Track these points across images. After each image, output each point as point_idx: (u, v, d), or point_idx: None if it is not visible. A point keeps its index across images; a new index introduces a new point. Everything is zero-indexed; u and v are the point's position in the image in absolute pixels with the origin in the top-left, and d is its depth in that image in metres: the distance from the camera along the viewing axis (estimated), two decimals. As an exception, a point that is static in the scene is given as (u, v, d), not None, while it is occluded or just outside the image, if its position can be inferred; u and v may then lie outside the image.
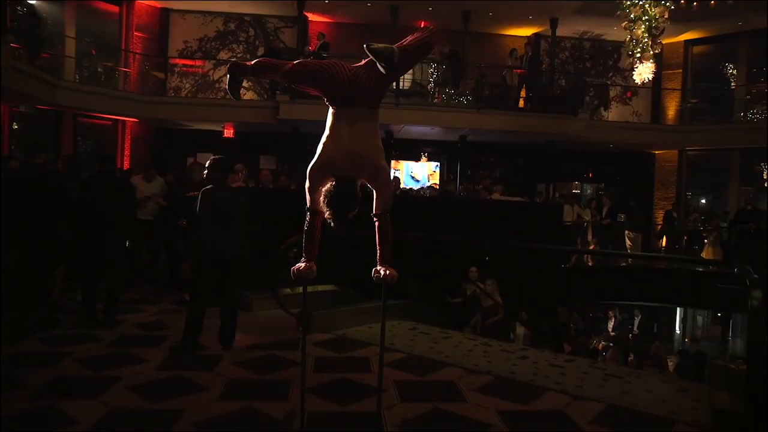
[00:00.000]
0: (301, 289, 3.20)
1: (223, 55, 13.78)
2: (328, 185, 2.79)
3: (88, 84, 12.26)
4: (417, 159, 14.90)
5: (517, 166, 15.19)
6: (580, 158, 15.24)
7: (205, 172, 4.76)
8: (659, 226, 13.98)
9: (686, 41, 14.94)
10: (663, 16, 7.55)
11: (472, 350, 4.98)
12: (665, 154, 15.37)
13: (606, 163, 15.35)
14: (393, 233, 2.99)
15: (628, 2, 7.41)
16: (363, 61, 2.87)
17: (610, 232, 11.96)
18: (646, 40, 8.12)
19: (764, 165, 14.38)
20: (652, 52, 8.58)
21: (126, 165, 12.43)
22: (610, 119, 14.92)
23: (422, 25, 14.26)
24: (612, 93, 15.08)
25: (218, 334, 4.76)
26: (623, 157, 15.18)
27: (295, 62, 2.97)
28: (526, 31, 14.61)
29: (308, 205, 3.00)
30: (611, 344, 11.80)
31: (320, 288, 6.35)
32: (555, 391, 3.91)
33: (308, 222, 3.00)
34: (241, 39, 14.06)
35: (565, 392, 3.89)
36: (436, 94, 13.20)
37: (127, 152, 13.24)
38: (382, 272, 2.90)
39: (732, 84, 14.83)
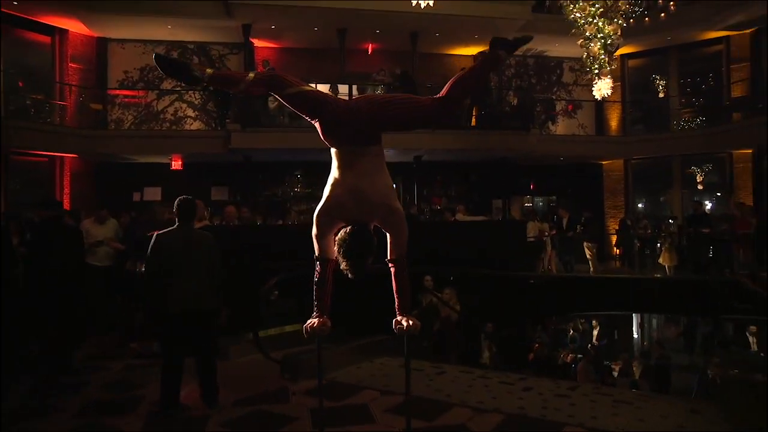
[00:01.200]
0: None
1: (167, 85, 13.21)
2: (342, 233, 2.54)
3: (14, 119, 11.31)
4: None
5: (471, 183, 15.27)
6: (532, 172, 15.50)
7: (169, 214, 4.38)
8: (613, 235, 14.36)
9: (622, 55, 15.53)
10: (616, 33, 7.77)
11: (471, 385, 4.77)
12: (612, 164, 15.86)
13: (557, 176, 15.66)
14: (410, 279, 2.77)
15: (582, 21, 7.57)
16: (362, 97, 2.67)
17: (570, 244, 12.14)
18: (603, 56, 8.31)
19: (696, 169, 15.10)
20: (609, 68, 8.80)
21: (67, 204, 11.60)
22: (558, 133, 15.29)
23: (370, 48, 14.40)
24: (558, 107, 15.46)
25: (200, 391, 4.35)
26: (572, 169, 15.54)
27: (300, 88, 2.66)
28: (472, 50, 14.79)
29: (316, 253, 2.74)
30: (579, 356, 11.89)
31: (288, 328, 6.02)
32: (571, 426, 3.75)
33: (318, 272, 2.74)
34: (186, 67, 13.51)
35: (582, 425, 3.75)
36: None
37: (66, 190, 12.40)
38: (404, 324, 2.67)
39: (660, 94, 15.51)
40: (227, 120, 12.00)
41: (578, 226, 11.91)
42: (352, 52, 13.56)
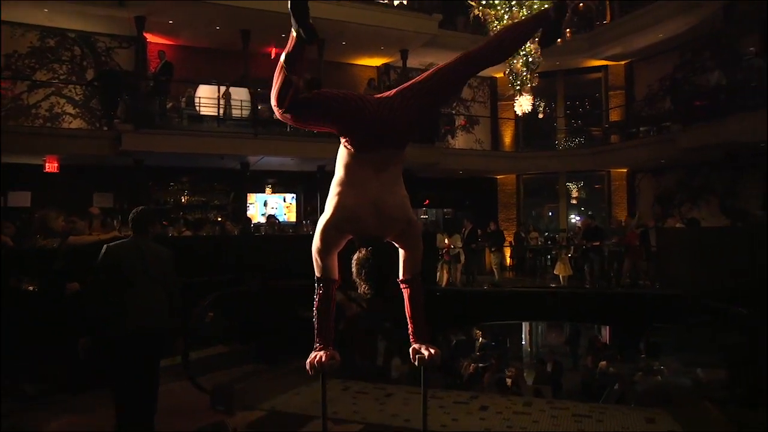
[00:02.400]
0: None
1: (41, 76, 11.69)
2: (362, 252, 2.19)
3: None
4: (262, 191, 14.09)
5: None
6: (430, 185, 15.75)
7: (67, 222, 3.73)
8: (509, 246, 14.97)
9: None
10: (537, 52, 8.08)
11: (430, 407, 4.53)
12: (505, 179, 16.59)
13: (453, 189, 16.06)
14: (425, 301, 2.49)
15: (505, 38, 7.77)
16: (392, 91, 2.34)
17: (475, 255, 12.45)
18: (525, 73, 8.59)
19: (571, 184, 16.34)
20: (530, 85, 9.11)
21: None
22: (456, 147, 15.71)
23: (273, 52, 13.83)
24: (457, 122, 15.91)
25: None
26: (468, 182, 16.03)
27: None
28: (377, 61, 14.79)
29: (319, 274, 2.36)
30: (480, 365, 12.19)
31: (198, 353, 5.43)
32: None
33: (321, 295, 2.36)
34: (64, 58, 12.04)
35: (556, 444, 3.66)
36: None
37: None
38: (425, 353, 2.37)
39: (540, 115, 16.57)
40: (116, 120, 10.84)
41: (479, 238, 12.25)
42: (256, 56, 12.93)
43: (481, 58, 2.33)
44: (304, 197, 14.39)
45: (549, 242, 15.13)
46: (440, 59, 11.86)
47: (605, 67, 15.44)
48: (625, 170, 15.14)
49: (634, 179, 15.15)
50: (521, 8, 7.43)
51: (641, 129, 13.89)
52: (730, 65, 11.49)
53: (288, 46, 2.26)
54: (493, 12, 7.69)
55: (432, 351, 2.38)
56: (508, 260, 14.95)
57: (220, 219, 12.19)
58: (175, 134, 11.06)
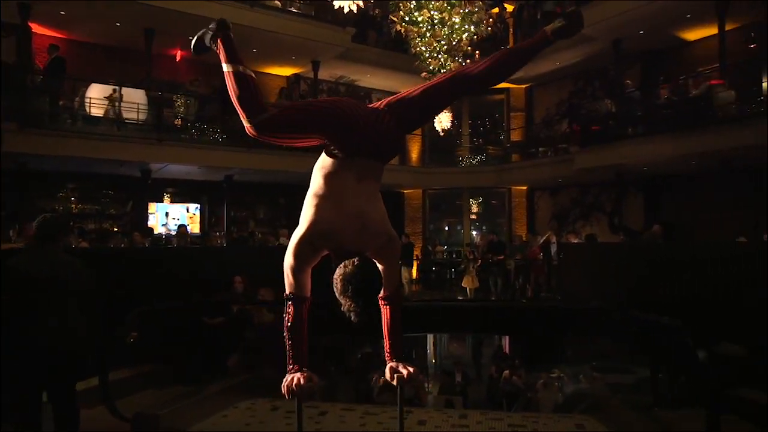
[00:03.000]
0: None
1: None
2: (347, 267, 2.04)
3: None
4: (159, 200, 13.26)
5: (281, 206, 14.83)
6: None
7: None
8: (416, 260, 15.21)
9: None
10: (457, 71, 8.26)
11: (365, 424, 4.41)
12: (412, 193, 16.89)
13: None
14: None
15: (428, 55, 7.92)
16: (380, 103, 2.25)
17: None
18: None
19: (471, 200, 17.07)
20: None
21: None
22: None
23: (178, 55, 13.13)
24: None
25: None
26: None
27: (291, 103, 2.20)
28: (288, 71, 14.53)
29: (290, 291, 2.19)
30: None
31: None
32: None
33: (292, 314, 2.19)
34: None
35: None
36: (204, 130, 12.03)
37: None
38: (404, 372, 2.27)
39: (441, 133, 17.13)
40: (-3, 117, 9.70)
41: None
42: (161, 57, 12.23)
43: (476, 81, 2.26)
44: (209, 208, 13.73)
45: (454, 256, 15.58)
46: (351, 72, 12.13)
47: (507, 89, 16.26)
48: (525, 188, 15.98)
49: (533, 196, 16.04)
50: (443, 27, 7.63)
51: (540, 149, 14.75)
52: (616, 95, 12.54)
53: (219, 51, 2.23)
54: (416, 29, 7.82)
55: (411, 370, 2.29)
56: (416, 273, 15.20)
57: (116, 229, 11.29)
58: (67, 136, 10.09)
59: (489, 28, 8.53)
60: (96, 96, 11.07)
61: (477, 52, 11.39)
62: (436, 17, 7.57)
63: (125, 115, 11.09)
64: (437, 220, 17.70)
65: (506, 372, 10.73)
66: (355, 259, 2.04)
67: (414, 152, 16.90)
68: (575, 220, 14.48)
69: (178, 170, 12.09)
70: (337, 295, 2.05)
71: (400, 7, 7.64)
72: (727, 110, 10.17)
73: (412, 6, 7.31)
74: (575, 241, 11.29)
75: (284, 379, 2.15)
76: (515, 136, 16.22)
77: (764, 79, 10.49)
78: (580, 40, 12.80)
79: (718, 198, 10.81)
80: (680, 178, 12.06)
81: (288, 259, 2.17)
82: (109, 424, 3.93)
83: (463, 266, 13.25)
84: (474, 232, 16.80)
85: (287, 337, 2.19)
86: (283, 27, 12.22)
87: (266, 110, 2.11)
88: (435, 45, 7.72)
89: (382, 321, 2.41)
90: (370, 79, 15.21)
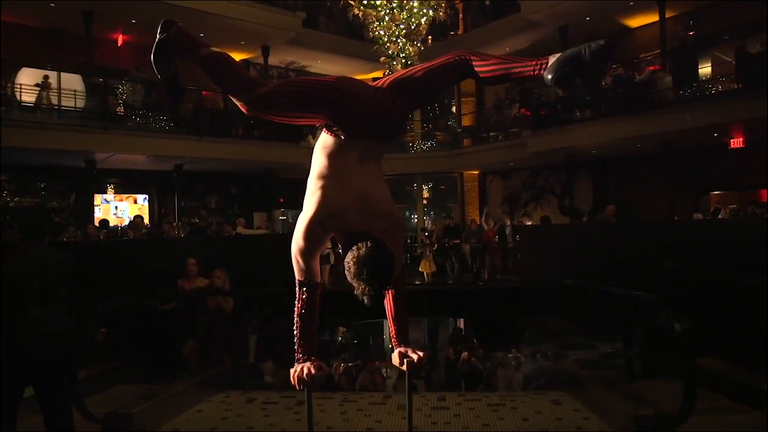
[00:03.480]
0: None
1: None
2: (361, 250, 1.99)
3: None
4: (105, 192, 12.70)
5: (232, 195, 14.49)
6: (290, 185, 15.43)
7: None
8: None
9: (373, 78, 16.73)
10: (416, 55, 8.25)
11: (345, 412, 4.39)
12: (365, 180, 16.82)
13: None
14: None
15: (386, 39, 7.86)
16: (383, 81, 2.19)
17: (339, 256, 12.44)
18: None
19: (416, 186, 17.22)
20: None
21: None
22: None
23: (120, 39, 12.53)
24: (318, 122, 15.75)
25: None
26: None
27: (285, 81, 2.13)
28: (237, 56, 14.11)
29: (301, 277, 2.14)
30: (349, 365, 12.21)
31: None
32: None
33: (304, 301, 2.14)
34: None
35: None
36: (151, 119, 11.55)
37: None
38: (414, 356, 2.25)
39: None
40: None
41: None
42: (101, 41, 11.64)
43: (471, 70, 2.21)
44: (158, 198, 13.26)
45: (408, 241, 15.68)
46: (302, 58, 11.95)
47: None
48: (477, 172, 16.22)
49: (485, 180, 16.31)
50: (402, 11, 7.59)
51: (491, 134, 14.99)
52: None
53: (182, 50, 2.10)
54: (374, 12, 7.74)
55: (420, 354, 2.28)
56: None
57: (58, 221, 10.72)
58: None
59: (443, 14, 8.57)
60: (27, 82, 10.43)
61: (430, 37, 11.45)
62: (395, 1, 7.53)
63: (63, 102, 10.50)
64: (401, 205, 17.77)
65: (464, 354, 10.94)
66: (368, 242, 2.00)
67: (366, 138, 16.83)
68: (527, 202, 14.85)
69: (124, 160, 11.59)
70: (349, 278, 2.01)
71: (358, -10, 7.57)
72: (666, 95, 10.65)
73: (369, -10, 7.28)
74: (529, 223, 11.57)
75: (293, 369, 2.10)
76: (466, 121, 16.41)
77: (700, 65, 11.08)
78: (529, 26, 13.07)
79: (661, 179, 11.31)
80: (626, 160, 12.55)
81: (298, 244, 2.11)
82: (79, 425, 3.76)
83: (419, 251, 13.35)
84: (425, 218, 16.96)
85: (298, 325, 2.14)
86: (231, 11, 11.86)
87: (258, 86, 2.03)
88: (394, 29, 7.69)
89: (385, 306, 2.39)
90: (321, 65, 15.02)
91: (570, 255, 8.17)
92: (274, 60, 14.11)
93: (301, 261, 2.11)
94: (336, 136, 2.09)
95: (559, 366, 5.55)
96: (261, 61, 13.94)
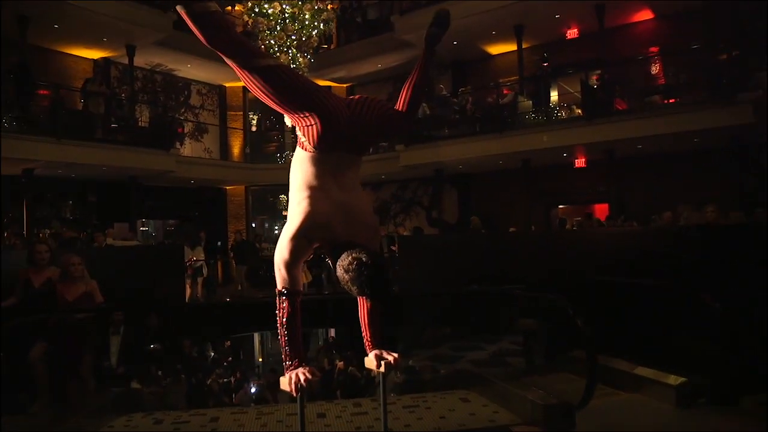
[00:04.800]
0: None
1: None
2: (356, 258, 2.06)
3: None
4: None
5: (90, 204, 13.26)
6: (157, 194, 14.56)
7: None
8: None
9: (244, 87, 16.35)
10: (306, 66, 8.25)
11: (266, 424, 4.29)
12: (234, 190, 16.37)
13: (181, 199, 15.15)
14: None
15: (278, 49, 7.79)
16: (355, 97, 2.29)
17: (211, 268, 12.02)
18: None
19: (284, 196, 17.22)
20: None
21: None
22: (185, 155, 14.87)
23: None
24: (186, 129, 15.05)
25: None
26: (196, 192, 15.32)
27: (276, 62, 2.15)
28: (96, 54, 13.01)
29: (284, 286, 2.17)
30: (226, 380, 11.75)
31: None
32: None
33: (286, 310, 2.17)
34: None
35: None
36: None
37: None
38: (390, 358, 2.37)
39: (253, 128, 16.99)
40: None
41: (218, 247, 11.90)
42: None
43: (410, 101, 2.44)
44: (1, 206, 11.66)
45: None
46: (170, 61, 11.58)
47: (329, 88, 16.64)
48: (348, 184, 16.54)
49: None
50: (294, 22, 7.60)
51: (364, 147, 15.39)
52: (431, 100, 13.66)
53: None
54: (265, 21, 7.67)
55: (395, 355, 2.40)
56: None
57: None
58: None
59: (333, 27, 8.74)
60: None
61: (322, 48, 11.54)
62: (288, 11, 7.53)
63: None
64: (262, 215, 17.43)
65: (340, 363, 11.11)
66: (360, 250, 2.09)
67: (236, 147, 16.40)
68: (396, 214, 15.46)
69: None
70: (344, 283, 2.08)
71: (249, -1, 7.43)
72: (524, 118, 11.88)
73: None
74: (405, 234, 12.10)
75: (285, 377, 2.12)
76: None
77: (551, 92, 12.52)
78: (400, 46, 13.74)
79: (518, 193, 12.51)
80: (489, 175, 13.67)
81: (282, 255, 2.14)
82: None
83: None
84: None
85: (283, 333, 2.16)
86: (94, 4, 10.90)
87: (264, 56, 2.11)
88: (285, 39, 7.68)
89: (359, 312, 2.48)
90: (190, 69, 14.37)
91: (447, 263, 8.74)
92: (139, 61, 13.22)
93: (284, 270, 2.15)
94: (310, 150, 2.16)
95: (454, 367, 5.94)
96: (123, 60, 12.98)
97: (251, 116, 16.88)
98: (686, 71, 11.27)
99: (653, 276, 5.23)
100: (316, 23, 7.88)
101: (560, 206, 13.81)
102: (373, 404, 4.84)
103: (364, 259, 2.05)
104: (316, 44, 8.39)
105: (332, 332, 14.73)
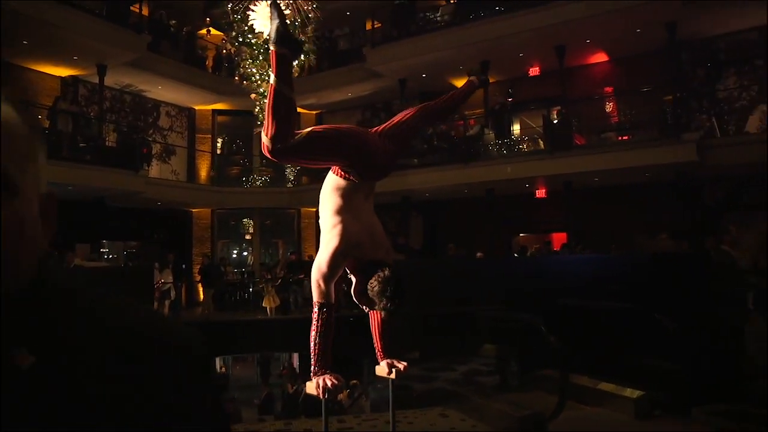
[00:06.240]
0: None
1: None
2: (387, 272, 2.35)
3: None
4: None
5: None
6: (121, 215, 14.37)
7: None
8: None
9: (213, 110, 16.50)
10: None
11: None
12: (200, 212, 16.32)
13: (143, 220, 14.98)
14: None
15: (258, 77, 8.02)
16: (377, 129, 2.61)
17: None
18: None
19: (246, 221, 17.28)
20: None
21: None
22: (152, 176, 14.79)
23: None
24: (154, 150, 15.00)
25: None
26: (161, 214, 15.21)
27: (314, 129, 2.42)
28: (65, 72, 12.94)
29: (322, 300, 2.43)
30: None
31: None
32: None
33: (324, 320, 2.43)
34: None
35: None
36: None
37: None
38: (400, 366, 2.65)
39: (219, 151, 17.04)
40: None
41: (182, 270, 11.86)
42: None
43: (437, 114, 2.85)
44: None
45: (245, 276, 15.55)
46: (140, 82, 11.67)
47: (299, 114, 16.92)
48: (315, 209, 16.71)
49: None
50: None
51: (331, 173, 15.67)
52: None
53: (273, 65, 2.34)
54: (248, 50, 7.91)
55: (405, 364, 2.67)
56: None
57: None
58: None
59: (314, 58, 9.10)
60: None
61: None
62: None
63: None
64: (224, 239, 17.36)
65: (304, 386, 11.18)
66: (388, 268, 2.38)
67: (203, 170, 16.40)
68: (362, 239, 15.70)
69: None
70: (371, 295, 2.35)
71: (234, 27, 7.67)
72: (489, 149, 12.47)
73: (246, 28, 7.45)
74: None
75: (313, 381, 2.36)
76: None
77: (514, 125, 13.18)
78: (371, 76, 14.21)
79: (482, 221, 13.01)
80: (454, 203, 14.15)
81: (321, 270, 2.40)
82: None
83: (261, 286, 13.35)
84: (244, 253, 17.11)
85: (318, 342, 2.40)
86: (67, 22, 10.93)
87: (292, 137, 2.31)
88: (267, 68, 7.91)
89: (371, 324, 2.75)
90: (160, 91, 14.43)
91: (415, 287, 9.06)
92: (108, 81, 13.20)
93: (323, 285, 2.41)
94: (348, 179, 2.46)
95: (430, 387, 6.17)
96: (93, 79, 12.95)
97: (219, 139, 17.00)
98: (637, 111, 12.14)
99: (612, 299, 5.68)
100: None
101: (521, 234, 14.39)
102: (357, 420, 5.06)
103: (389, 275, 2.34)
104: (297, 74, 8.67)
105: (295, 357, 14.74)
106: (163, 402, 0.59)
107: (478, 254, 11.44)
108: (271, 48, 2.27)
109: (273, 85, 2.25)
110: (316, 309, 2.44)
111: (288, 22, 8.00)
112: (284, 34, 2.26)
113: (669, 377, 4.89)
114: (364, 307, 2.67)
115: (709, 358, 4.80)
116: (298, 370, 13.19)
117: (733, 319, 5.34)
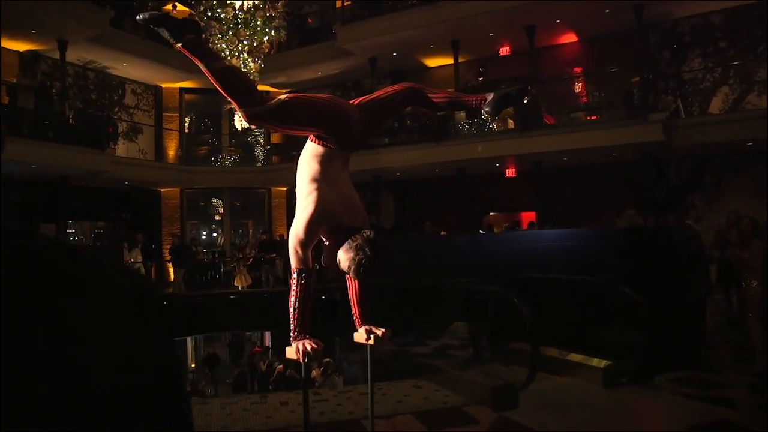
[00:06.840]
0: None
1: None
2: (362, 240, 2.36)
3: None
4: None
5: (13, 204, 12.62)
6: (87, 194, 14.04)
7: None
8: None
9: (181, 88, 16.14)
10: (257, 71, 8.35)
11: (232, 413, 4.47)
12: (169, 192, 16.04)
13: (109, 200, 14.68)
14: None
15: (229, 54, 7.85)
16: (355, 102, 2.61)
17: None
18: (247, 91, 8.67)
19: (216, 201, 17.12)
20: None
21: None
22: (119, 155, 14.45)
23: None
24: (120, 129, 14.62)
25: None
26: (127, 193, 14.89)
27: (289, 95, 2.41)
28: (23, 46, 12.45)
29: (300, 265, 2.44)
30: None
31: None
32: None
33: (302, 286, 2.43)
34: None
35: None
36: None
37: None
38: (379, 332, 2.68)
39: (186, 129, 16.78)
40: None
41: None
42: None
43: (428, 104, 2.80)
44: None
45: (215, 256, 15.41)
46: (104, 58, 11.35)
47: (267, 93, 16.66)
48: (285, 188, 16.63)
49: (293, 197, 16.78)
50: (247, 27, 7.73)
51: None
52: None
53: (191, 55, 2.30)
54: (218, 25, 7.75)
55: (384, 330, 2.71)
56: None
57: None
58: None
59: (284, 34, 8.94)
60: None
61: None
62: (240, 17, 7.65)
63: None
64: (194, 220, 17.13)
65: (279, 366, 11.21)
66: (365, 233, 2.39)
67: (171, 149, 16.08)
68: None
69: None
70: (347, 261, 2.36)
71: (201, 1, 7.47)
72: (460, 129, 12.55)
73: (214, 2, 7.27)
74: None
75: (293, 346, 2.38)
76: (275, 138, 16.72)
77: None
78: (341, 54, 14.08)
79: (453, 200, 13.12)
80: (425, 182, 14.22)
81: (298, 237, 2.40)
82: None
83: (233, 266, 13.27)
84: (215, 233, 16.95)
85: (296, 308, 2.41)
86: (27, -5, 10.49)
87: (264, 101, 2.32)
88: (237, 44, 7.79)
89: (349, 292, 2.77)
90: (126, 68, 14.04)
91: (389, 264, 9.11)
92: (71, 57, 12.77)
93: (300, 251, 2.41)
94: (325, 146, 2.46)
95: (402, 361, 6.26)
96: (54, 55, 12.51)
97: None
98: (606, 91, 12.34)
99: (581, 273, 5.83)
100: (267, 30, 8.05)
101: (491, 213, 14.56)
102: (333, 392, 5.12)
103: (372, 238, 2.36)
104: (267, 50, 8.57)
105: (267, 336, 14.75)
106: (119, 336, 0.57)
107: (442, 232, 11.58)
108: (178, 46, 2.26)
109: (204, 69, 2.24)
110: (294, 275, 2.44)
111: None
112: (176, 25, 2.24)
113: (634, 347, 5.07)
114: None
115: (672, 329, 4.99)
116: (270, 349, 13.29)
117: (696, 291, 5.55)
